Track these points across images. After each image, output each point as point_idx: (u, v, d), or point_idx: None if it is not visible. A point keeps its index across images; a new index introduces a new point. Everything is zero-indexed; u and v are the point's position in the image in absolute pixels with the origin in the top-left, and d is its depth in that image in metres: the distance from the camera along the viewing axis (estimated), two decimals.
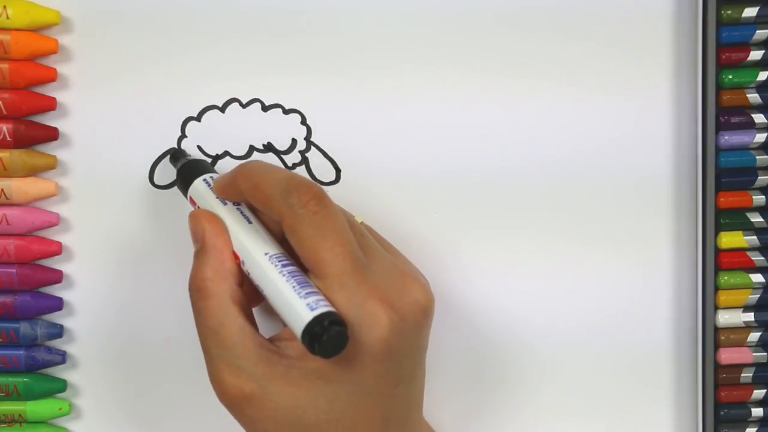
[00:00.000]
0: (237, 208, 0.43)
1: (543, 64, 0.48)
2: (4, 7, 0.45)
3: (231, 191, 0.43)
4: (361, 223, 0.44)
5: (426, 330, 0.42)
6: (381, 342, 0.38)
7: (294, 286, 0.39)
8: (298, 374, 0.39)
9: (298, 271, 0.40)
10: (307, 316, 0.37)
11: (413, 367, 0.41)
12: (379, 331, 0.38)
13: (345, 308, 0.39)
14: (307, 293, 0.38)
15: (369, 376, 0.39)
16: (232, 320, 0.40)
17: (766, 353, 0.48)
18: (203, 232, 0.42)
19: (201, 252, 0.42)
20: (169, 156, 0.47)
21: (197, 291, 0.41)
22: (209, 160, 0.48)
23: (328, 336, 0.37)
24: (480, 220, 0.48)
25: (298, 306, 0.38)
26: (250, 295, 0.42)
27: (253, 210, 0.43)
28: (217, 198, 0.43)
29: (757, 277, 0.48)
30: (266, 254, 0.41)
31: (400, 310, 0.39)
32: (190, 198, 0.45)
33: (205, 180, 0.45)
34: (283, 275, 0.39)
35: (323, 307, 0.38)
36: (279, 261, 0.40)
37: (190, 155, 0.47)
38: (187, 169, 0.46)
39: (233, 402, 0.40)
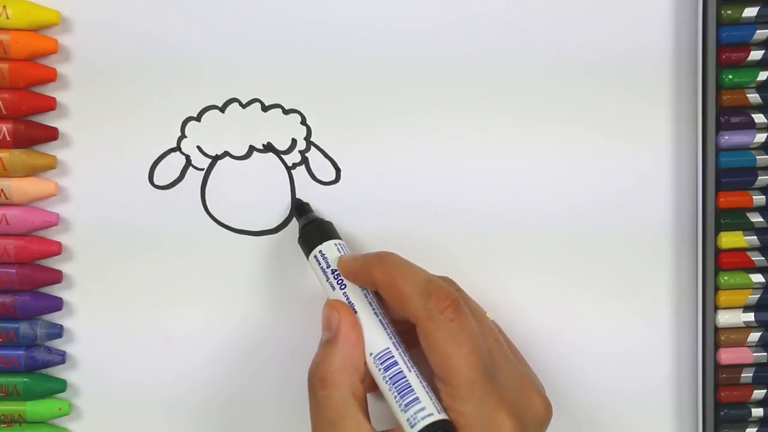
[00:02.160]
0: (344, 293, 0.43)
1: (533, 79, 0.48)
2: (4, 7, 0.45)
3: (362, 278, 0.43)
4: (491, 321, 0.44)
5: None
6: None
7: (395, 396, 0.40)
8: None
9: (400, 373, 0.41)
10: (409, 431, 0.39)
11: None
12: None
13: (472, 418, 0.39)
14: (407, 404, 0.40)
15: None
16: (352, 415, 0.40)
17: (766, 353, 0.48)
18: (339, 323, 0.42)
19: (332, 342, 0.42)
20: (292, 207, 0.47)
21: (321, 380, 0.41)
22: (209, 160, 0.48)
23: None
24: (478, 232, 0.48)
25: (400, 418, 0.40)
26: (370, 385, 0.42)
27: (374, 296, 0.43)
28: (332, 276, 0.44)
29: (757, 277, 0.48)
30: (371, 354, 0.41)
31: (523, 422, 0.40)
32: (315, 257, 0.44)
33: (337, 246, 0.44)
34: (386, 382, 0.40)
35: (422, 421, 0.39)
36: (382, 363, 0.41)
37: (313, 211, 0.47)
38: (317, 229, 0.45)
39: None
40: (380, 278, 0.42)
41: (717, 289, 0.48)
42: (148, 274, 0.48)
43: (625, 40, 0.48)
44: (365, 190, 0.48)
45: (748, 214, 0.47)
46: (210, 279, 0.48)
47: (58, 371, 0.48)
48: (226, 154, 0.48)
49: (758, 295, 0.48)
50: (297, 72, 0.48)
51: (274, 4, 0.48)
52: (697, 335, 0.48)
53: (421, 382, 0.41)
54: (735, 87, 0.47)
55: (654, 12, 0.48)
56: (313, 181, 0.48)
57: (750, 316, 0.48)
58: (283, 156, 0.48)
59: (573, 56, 0.48)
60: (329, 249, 0.44)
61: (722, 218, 0.47)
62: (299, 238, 0.46)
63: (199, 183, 0.48)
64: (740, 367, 0.48)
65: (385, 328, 0.42)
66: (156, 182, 0.48)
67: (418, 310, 0.40)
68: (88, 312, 0.48)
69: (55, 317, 0.48)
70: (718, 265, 0.47)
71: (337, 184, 0.48)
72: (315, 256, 0.44)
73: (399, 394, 0.40)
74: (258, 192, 0.48)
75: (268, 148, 0.48)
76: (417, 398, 0.40)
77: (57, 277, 0.48)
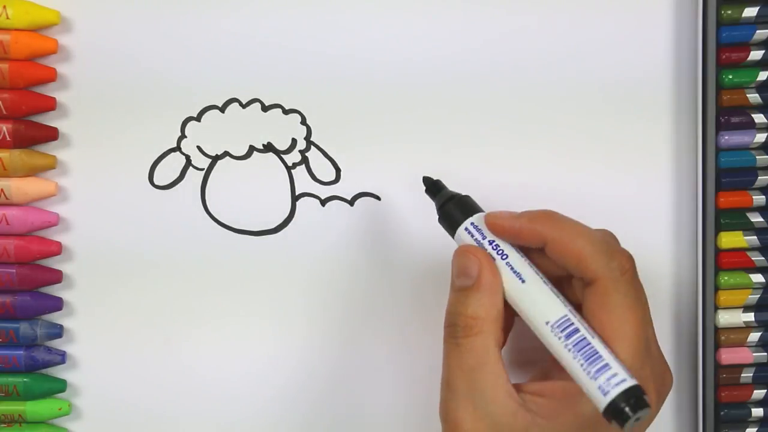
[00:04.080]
0: (506, 263, 0.41)
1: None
2: (4, 7, 0.45)
3: (527, 234, 0.41)
4: None
5: (658, 411, 0.42)
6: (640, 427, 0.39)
7: (582, 364, 0.38)
8: None
9: (584, 339, 0.38)
10: (602, 401, 0.37)
11: None
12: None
13: None
14: (597, 371, 0.37)
15: None
16: (492, 363, 0.40)
17: (766, 353, 0.48)
18: (480, 268, 0.41)
19: (474, 288, 0.41)
20: (425, 188, 0.45)
21: (465, 327, 0.40)
22: (209, 160, 0.48)
23: (633, 416, 0.36)
24: None
25: (590, 388, 0.37)
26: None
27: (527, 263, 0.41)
28: (490, 247, 0.41)
29: (757, 277, 0.48)
30: (547, 323, 0.39)
31: (661, 397, 0.41)
32: (467, 230, 0.42)
33: (473, 223, 0.42)
34: (569, 350, 0.38)
35: (615, 387, 0.37)
36: (562, 331, 0.39)
37: (446, 188, 0.45)
38: (460, 203, 0.43)
39: None
40: (552, 235, 0.40)
41: (717, 289, 0.48)
42: (148, 274, 0.48)
43: (625, 50, 0.48)
44: (365, 190, 0.48)
45: (748, 214, 0.47)
46: (209, 279, 0.48)
47: (58, 371, 0.48)
48: (226, 154, 0.48)
49: (758, 295, 0.48)
50: (297, 72, 0.48)
51: (276, 5, 0.48)
52: (697, 335, 0.48)
53: (605, 347, 0.38)
54: (735, 87, 0.47)
55: (654, 24, 0.48)
56: (313, 181, 0.48)
57: (750, 316, 0.48)
58: (283, 156, 0.48)
59: (574, 62, 0.48)
60: (480, 221, 0.42)
61: (722, 218, 0.47)
62: (439, 217, 0.44)
63: (199, 183, 0.48)
64: (740, 367, 0.48)
65: (558, 295, 0.40)
66: (156, 182, 0.48)
67: (600, 268, 0.39)
68: (88, 312, 0.48)
69: (55, 317, 0.48)
70: (718, 265, 0.47)
71: (337, 184, 0.48)
72: (467, 229, 0.42)
73: (586, 361, 0.38)
74: (258, 192, 0.48)
75: (268, 148, 0.48)
76: (607, 364, 0.37)
77: (57, 277, 0.48)
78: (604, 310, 0.39)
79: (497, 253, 0.41)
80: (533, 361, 0.45)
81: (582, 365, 0.38)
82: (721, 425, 0.48)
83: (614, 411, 0.36)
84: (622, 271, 0.39)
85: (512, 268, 0.41)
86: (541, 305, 0.40)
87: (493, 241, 0.42)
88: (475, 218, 0.42)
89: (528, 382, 0.41)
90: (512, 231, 0.41)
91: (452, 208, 0.43)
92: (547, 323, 0.39)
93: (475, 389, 0.40)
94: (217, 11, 0.47)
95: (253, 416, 0.49)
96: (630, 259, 0.40)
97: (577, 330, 0.39)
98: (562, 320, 0.39)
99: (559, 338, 0.39)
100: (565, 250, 0.40)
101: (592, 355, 0.38)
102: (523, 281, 0.40)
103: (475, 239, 0.42)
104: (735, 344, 0.48)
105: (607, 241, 0.40)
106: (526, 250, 0.42)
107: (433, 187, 0.45)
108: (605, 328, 0.39)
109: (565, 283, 0.42)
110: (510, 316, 0.42)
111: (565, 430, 0.39)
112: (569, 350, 0.38)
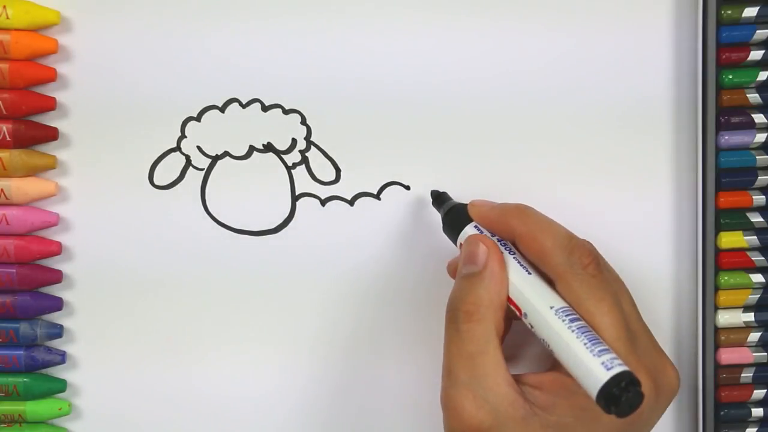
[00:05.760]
0: (514, 257, 0.42)
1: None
2: (4, 7, 0.45)
3: (499, 227, 0.43)
4: None
5: (662, 413, 0.42)
6: (635, 412, 0.38)
7: (585, 344, 0.38)
8: (538, 423, 0.39)
9: (586, 327, 0.39)
10: (603, 376, 0.37)
11: None
12: None
13: None
14: (600, 351, 0.38)
15: None
16: (492, 351, 0.40)
17: (766, 353, 0.48)
18: (487, 256, 0.41)
19: (479, 276, 0.41)
20: (432, 200, 0.47)
21: (466, 313, 0.41)
22: (209, 160, 0.48)
23: (626, 398, 0.36)
24: None
25: (591, 365, 0.37)
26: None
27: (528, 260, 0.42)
28: (499, 243, 0.43)
29: (757, 277, 0.48)
30: (552, 308, 0.40)
31: (659, 388, 0.40)
32: (471, 228, 0.44)
33: (476, 227, 0.44)
34: (573, 331, 0.39)
35: (618, 367, 0.37)
36: (566, 315, 0.39)
37: (452, 198, 0.46)
38: (460, 211, 0.45)
39: (467, 431, 0.40)
40: (520, 230, 0.41)
41: (717, 289, 0.48)
42: (148, 274, 0.48)
43: (625, 52, 0.48)
44: (365, 190, 0.48)
45: (748, 214, 0.47)
46: (209, 279, 0.48)
47: (58, 371, 0.48)
48: (226, 154, 0.48)
49: (758, 295, 0.48)
50: (297, 72, 0.48)
51: (277, 5, 0.48)
52: (697, 335, 0.48)
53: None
54: (735, 87, 0.47)
55: (654, 25, 0.48)
56: (313, 181, 0.48)
57: (750, 316, 0.48)
58: (283, 156, 0.48)
59: (575, 65, 0.48)
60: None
61: (722, 218, 0.47)
62: (444, 224, 0.46)
63: (199, 183, 0.48)
64: (740, 367, 0.48)
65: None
66: (156, 182, 0.48)
67: (560, 264, 0.40)
68: (88, 312, 0.48)
69: (55, 317, 0.48)
70: (718, 265, 0.48)
71: (337, 184, 0.48)
72: (476, 226, 0.44)
73: (590, 342, 0.38)
74: (258, 192, 0.48)
75: (268, 148, 0.48)
76: (608, 348, 0.38)
77: (57, 277, 0.48)
78: (574, 304, 0.40)
79: (505, 248, 0.42)
80: (532, 357, 0.46)
81: (586, 345, 0.38)
82: (721, 425, 0.48)
83: (609, 392, 0.36)
84: (583, 266, 0.40)
85: (519, 262, 0.42)
86: (546, 293, 0.40)
87: (501, 239, 0.43)
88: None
89: (527, 374, 0.41)
90: (488, 220, 0.43)
91: (459, 212, 0.45)
92: (552, 308, 0.40)
93: (475, 377, 0.40)
94: (217, 11, 0.47)
95: (254, 409, 0.49)
96: (590, 253, 0.40)
97: (579, 318, 0.39)
98: (565, 308, 0.40)
99: (564, 321, 0.39)
100: (530, 245, 0.41)
101: (595, 339, 0.38)
102: (530, 273, 0.41)
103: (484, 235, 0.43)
104: (735, 344, 0.48)
105: (571, 237, 0.41)
106: None
107: (439, 198, 0.46)
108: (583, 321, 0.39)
109: None
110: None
111: (562, 421, 0.39)
112: (573, 332, 0.39)
